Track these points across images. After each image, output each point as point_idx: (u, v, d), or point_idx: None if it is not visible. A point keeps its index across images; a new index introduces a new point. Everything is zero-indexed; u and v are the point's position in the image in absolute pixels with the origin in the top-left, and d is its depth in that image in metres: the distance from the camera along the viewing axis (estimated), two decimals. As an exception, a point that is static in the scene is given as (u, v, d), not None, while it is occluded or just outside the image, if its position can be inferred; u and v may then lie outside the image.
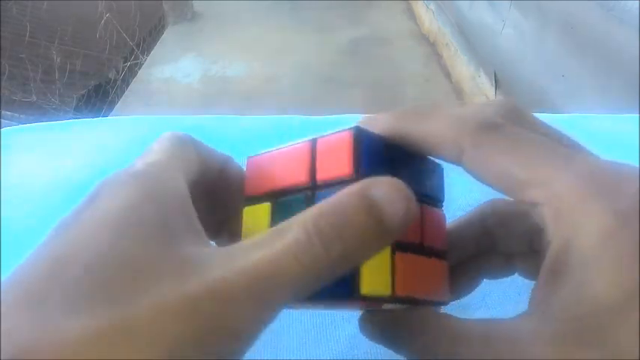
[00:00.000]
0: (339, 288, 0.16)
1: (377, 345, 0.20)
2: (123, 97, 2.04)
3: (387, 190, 0.15)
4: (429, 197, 0.20)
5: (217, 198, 0.21)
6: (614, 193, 0.15)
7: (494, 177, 0.18)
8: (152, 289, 0.13)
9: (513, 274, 0.22)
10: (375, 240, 0.15)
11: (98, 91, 2.03)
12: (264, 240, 0.15)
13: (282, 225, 0.15)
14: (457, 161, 0.18)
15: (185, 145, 0.19)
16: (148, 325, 0.13)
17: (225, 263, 0.14)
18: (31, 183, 0.41)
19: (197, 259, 0.14)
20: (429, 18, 2.37)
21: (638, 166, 0.16)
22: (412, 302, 0.18)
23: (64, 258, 0.14)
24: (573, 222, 0.15)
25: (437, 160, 0.20)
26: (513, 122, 0.18)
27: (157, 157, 0.18)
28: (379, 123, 0.19)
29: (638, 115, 0.47)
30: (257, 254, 0.14)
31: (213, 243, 0.21)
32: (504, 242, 0.21)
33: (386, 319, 0.18)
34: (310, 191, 0.18)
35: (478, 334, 0.16)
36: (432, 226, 0.20)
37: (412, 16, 2.58)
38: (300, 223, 0.15)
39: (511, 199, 0.19)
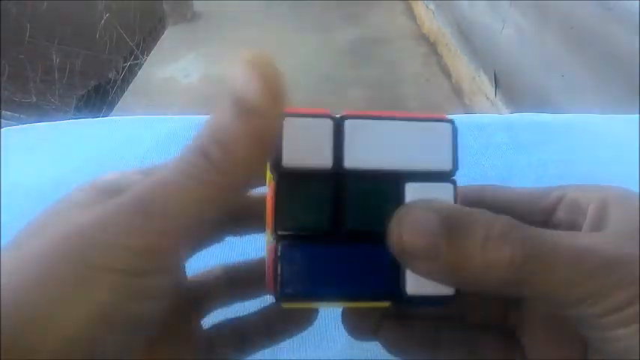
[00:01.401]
0: (438, 287, 0.16)
1: (375, 345, 0.20)
2: (123, 97, 2.04)
3: (244, 78, 0.15)
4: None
5: None
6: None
7: (515, 198, 0.21)
8: (51, 231, 0.15)
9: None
10: (247, 128, 0.15)
11: (98, 91, 2.03)
12: (156, 168, 0.16)
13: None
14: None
15: None
16: (36, 257, 0.14)
17: (123, 194, 0.15)
18: (30, 183, 0.41)
19: (100, 205, 0.15)
20: (429, 18, 2.37)
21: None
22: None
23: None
24: (601, 190, 0.18)
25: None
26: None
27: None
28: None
29: (638, 115, 0.47)
30: (148, 179, 0.15)
31: None
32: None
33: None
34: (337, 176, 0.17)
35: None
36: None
37: (412, 16, 2.58)
38: (186, 145, 0.15)
39: (509, 188, 0.21)
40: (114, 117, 0.48)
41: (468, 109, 1.87)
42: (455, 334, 0.20)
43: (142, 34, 2.36)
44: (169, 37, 2.47)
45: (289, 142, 0.17)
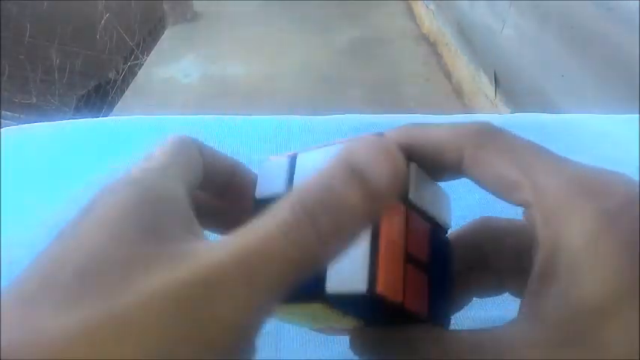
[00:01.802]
0: (355, 283, 0.16)
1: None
2: (123, 97, 2.04)
3: (369, 153, 0.15)
4: (437, 224, 0.20)
5: (228, 200, 0.21)
6: (602, 195, 0.15)
7: (491, 179, 0.18)
8: (141, 280, 0.13)
9: (503, 293, 0.21)
10: (364, 208, 0.14)
11: (98, 91, 2.03)
12: (253, 224, 0.14)
13: (271, 208, 0.14)
14: (457, 165, 0.18)
15: (188, 149, 0.19)
16: (136, 313, 0.12)
17: (215, 249, 0.14)
18: (30, 183, 0.41)
19: (189, 252, 0.14)
20: (429, 18, 2.37)
21: (624, 173, 0.16)
22: (404, 318, 0.18)
23: (56, 261, 0.14)
24: (561, 223, 0.15)
25: (445, 191, 0.20)
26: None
27: (154, 164, 0.18)
28: (387, 135, 0.19)
29: (638, 115, 0.47)
30: (246, 236, 0.14)
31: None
32: (494, 258, 0.21)
33: (378, 334, 0.18)
34: None
35: (469, 344, 0.16)
36: (438, 252, 0.20)
37: (412, 16, 2.58)
38: (287, 202, 0.14)
39: (501, 218, 0.20)
40: (114, 117, 0.48)
41: (468, 109, 1.87)
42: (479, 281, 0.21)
43: (142, 34, 2.36)
44: (169, 37, 2.47)
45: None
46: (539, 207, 0.16)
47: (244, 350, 0.14)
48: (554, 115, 0.49)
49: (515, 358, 0.15)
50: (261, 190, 0.20)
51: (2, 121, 1.71)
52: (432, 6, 2.35)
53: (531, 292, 0.16)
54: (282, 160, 0.20)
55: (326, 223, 0.14)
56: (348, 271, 0.16)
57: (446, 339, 0.17)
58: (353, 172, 0.14)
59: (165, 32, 2.50)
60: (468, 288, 0.21)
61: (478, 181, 0.18)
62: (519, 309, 0.16)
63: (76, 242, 0.14)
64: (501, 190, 0.18)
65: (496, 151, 0.18)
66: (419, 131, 0.19)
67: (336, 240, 0.14)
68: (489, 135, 0.18)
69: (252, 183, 0.20)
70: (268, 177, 0.20)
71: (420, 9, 2.51)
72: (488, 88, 1.73)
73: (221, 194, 0.21)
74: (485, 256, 0.21)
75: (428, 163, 0.19)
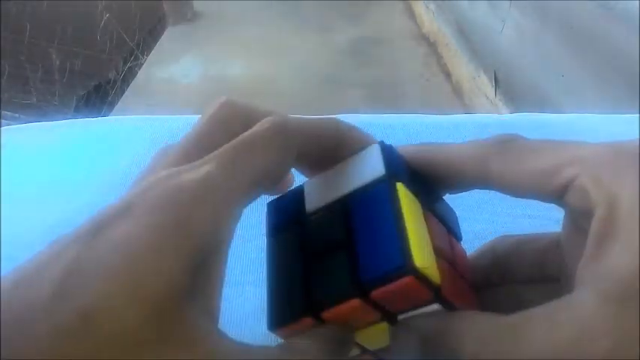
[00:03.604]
0: (391, 261, 0.16)
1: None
2: (123, 97, 2.04)
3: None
4: (452, 233, 0.21)
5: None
6: None
7: (524, 176, 0.18)
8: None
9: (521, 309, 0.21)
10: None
11: (98, 92, 2.03)
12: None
13: None
14: (483, 177, 0.19)
15: (280, 141, 0.18)
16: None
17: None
18: (31, 183, 0.41)
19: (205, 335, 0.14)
20: (429, 18, 2.37)
21: None
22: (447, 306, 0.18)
23: (70, 285, 0.13)
24: (614, 182, 0.15)
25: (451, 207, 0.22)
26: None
27: (214, 168, 0.16)
28: (402, 149, 0.19)
29: (638, 115, 0.47)
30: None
31: None
32: (516, 271, 0.21)
33: (427, 324, 0.18)
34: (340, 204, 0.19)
35: (543, 321, 0.15)
36: (460, 256, 0.21)
37: (412, 16, 2.58)
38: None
39: (515, 234, 0.20)
40: (114, 117, 0.48)
41: (468, 109, 1.87)
42: (497, 295, 0.21)
43: (142, 34, 2.36)
44: (169, 37, 2.47)
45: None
46: (588, 174, 0.16)
47: None
48: (554, 115, 0.49)
49: (587, 322, 0.14)
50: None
51: (2, 121, 1.71)
52: (432, 6, 2.34)
53: (590, 256, 0.15)
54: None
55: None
56: (381, 253, 0.17)
57: (520, 324, 0.15)
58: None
59: (165, 32, 2.50)
60: (486, 306, 0.21)
61: (508, 186, 0.19)
62: (576, 280, 0.16)
63: (93, 270, 0.13)
64: (538, 181, 0.18)
65: (522, 150, 0.18)
66: (436, 148, 0.20)
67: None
68: (511, 139, 0.19)
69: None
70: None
71: (420, 9, 2.51)
72: (488, 88, 1.73)
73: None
74: (505, 271, 0.21)
75: (447, 178, 0.19)
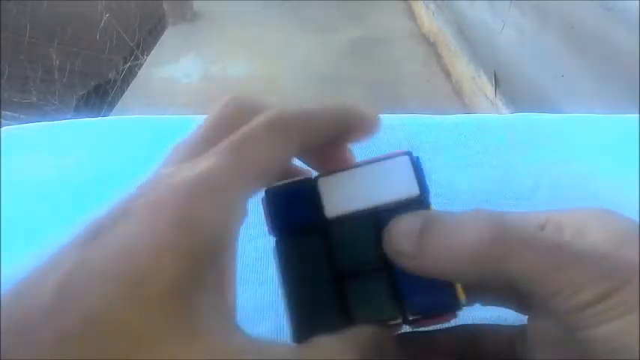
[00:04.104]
0: (443, 300, 0.18)
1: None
2: (123, 97, 2.04)
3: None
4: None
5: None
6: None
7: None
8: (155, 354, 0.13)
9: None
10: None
11: (98, 91, 2.03)
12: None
13: None
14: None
15: (281, 132, 0.17)
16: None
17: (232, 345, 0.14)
18: (31, 183, 0.41)
19: (212, 329, 0.14)
20: (429, 18, 2.37)
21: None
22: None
23: (72, 288, 0.13)
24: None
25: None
26: None
27: (213, 163, 0.15)
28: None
29: (638, 115, 0.47)
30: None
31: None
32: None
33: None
34: (372, 215, 0.19)
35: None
36: None
37: (412, 16, 2.58)
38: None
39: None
40: (114, 117, 0.48)
41: (468, 109, 1.87)
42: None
43: (142, 34, 2.36)
44: (169, 37, 2.47)
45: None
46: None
47: None
48: (554, 115, 0.49)
49: (569, 249, 0.16)
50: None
51: (2, 121, 1.71)
52: (432, 6, 2.34)
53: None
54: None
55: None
56: (430, 289, 0.18)
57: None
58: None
59: (165, 32, 2.50)
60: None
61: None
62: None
63: (94, 270, 0.13)
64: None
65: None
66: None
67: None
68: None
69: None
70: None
71: (420, 9, 2.51)
72: (489, 88, 1.73)
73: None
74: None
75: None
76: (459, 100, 1.95)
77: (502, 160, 0.43)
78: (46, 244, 0.15)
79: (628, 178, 0.40)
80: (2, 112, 1.78)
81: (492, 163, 0.42)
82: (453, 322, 0.19)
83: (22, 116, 1.81)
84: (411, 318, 0.18)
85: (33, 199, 0.39)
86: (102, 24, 2.25)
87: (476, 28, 1.87)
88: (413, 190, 0.19)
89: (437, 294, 0.18)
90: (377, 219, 0.19)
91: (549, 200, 0.39)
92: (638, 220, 0.18)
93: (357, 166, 0.19)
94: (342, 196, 0.19)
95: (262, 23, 2.53)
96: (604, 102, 1.13)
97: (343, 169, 0.20)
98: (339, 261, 0.18)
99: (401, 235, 0.17)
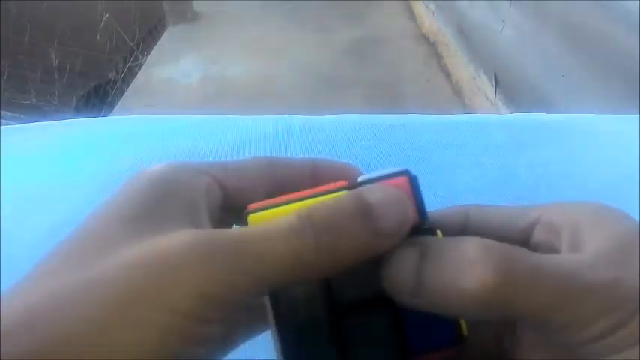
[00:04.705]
0: (445, 336, 0.17)
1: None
2: (123, 97, 2.04)
3: (382, 195, 0.16)
4: None
5: None
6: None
7: (496, 219, 0.21)
8: (120, 253, 0.14)
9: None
10: (365, 241, 0.16)
11: (98, 92, 2.03)
12: (263, 224, 0.16)
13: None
14: (464, 222, 0.21)
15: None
16: (108, 278, 0.14)
17: (217, 233, 0.15)
18: (31, 183, 0.41)
19: (174, 235, 0.15)
20: (429, 18, 2.37)
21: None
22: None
23: (66, 238, 0.16)
24: (576, 212, 0.18)
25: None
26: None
27: (175, 163, 0.18)
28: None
29: (638, 115, 0.47)
30: (251, 230, 0.15)
31: None
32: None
33: None
34: None
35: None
36: None
37: (412, 16, 2.58)
38: (296, 212, 0.16)
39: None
40: (114, 117, 0.48)
41: (468, 109, 1.87)
42: None
43: (142, 34, 2.36)
44: (169, 37, 2.47)
45: None
46: (552, 211, 0.19)
47: (221, 324, 0.15)
48: (554, 115, 0.49)
49: (578, 280, 0.15)
50: None
51: (2, 121, 1.71)
52: (432, 6, 2.35)
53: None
54: None
55: (326, 241, 0.15)
56: (433, 324, 0.18)
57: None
58: (363, 207, 0.16)
59: (165, 32, 2.50)
60: None
61: (482, 226, 0.20)
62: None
63: (86, 221, 0.16)
64: (508, 222, 0.20)
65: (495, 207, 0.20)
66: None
67: (331, 260, 0.15)
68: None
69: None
70: None
71: (420, 9, 2.51)
72: (489, 88, 1.73)
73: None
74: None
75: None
76: (459, 100, 1.95)
77: (502, 160, 0.43)
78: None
79: (628, 178, 0.40)
80: (2, 112, 1.78)
81: (492, 163, 0.42)
82: None
83: (22, 116, 1.81)
84: (413, 355, 0.18)
85: (33, 199, 0.39)
86: (102, 24, 2.25)
87: (476, 28, 1.87)
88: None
89: (440, 329, 0.17)
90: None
91: (549, 200, 0.39)
92: (637, 220, 0.18)
93: (354, 187, 0.18)
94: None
95: (262, 23, 2.53)
96: (604, 102, 1.13)
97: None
98: (337, 298, 0.18)
99: (398, 270, 0.16)
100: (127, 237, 0.15)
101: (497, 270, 0.15)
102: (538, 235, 0.19)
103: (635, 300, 0.15)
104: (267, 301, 0.17)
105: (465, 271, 0.15)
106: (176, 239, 0.15)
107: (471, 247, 0.16)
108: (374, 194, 0.16)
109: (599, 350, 0.15)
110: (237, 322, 0.19)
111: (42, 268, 0.15)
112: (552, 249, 0.18)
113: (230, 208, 0.19)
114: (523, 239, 0.19)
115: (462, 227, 0.20)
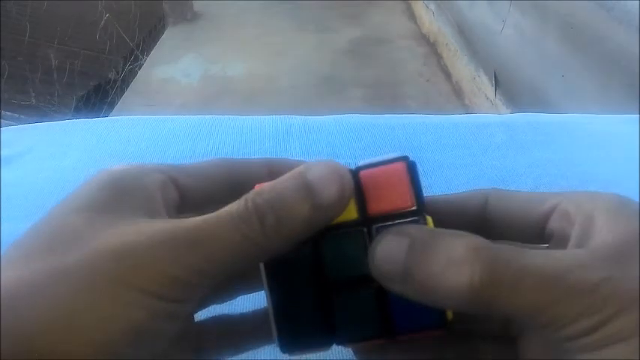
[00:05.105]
0: (430, 319, 0.17)
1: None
2: (123, 97, 2.04)
3: (321, 171, 0.17)
4: None
5: None
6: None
7: (515, 205, 0.21)
8: (86, 243, 0.15)
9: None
10: (308, 217, 0.17)
11: (98, 92, 2.03)
12: (218, 210, 0.17)
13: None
14: (482, 208, 0.21)
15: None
16: (75, 268, 0.15)
17: (177, 221, 0.16)
18: (30, 183, 0.41)
19: (137, 226, 0.16)
20: (429, 18, 2.37)
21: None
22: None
23: (33, 228, 0.17)
24: (591, 206, 0.18)
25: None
26: None
27: (134, 165, 0.20)
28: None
29: (638, 115, 0.47)
30: (207, 217, 0.16)
31: None
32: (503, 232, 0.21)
33: None
34: (365, 226, 0.18)
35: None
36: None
37: (412, 16, 2.58)
38: (244, 197, 0.17)
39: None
40: (114, 117, 0.48)
41: (468, 109, 1.87)
42: (459, 350, 0.20)
43: (142, 34, 2.36)
44: (169, 37, 2.47)
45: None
46: (569, 200, 0.19)
47: (190, 303, 0.16)
48: (554, 115, 0.49)
49: (563, 281, 0.15)
50: None
51: (2, 121, 1.71)
52: (432, 6, 2.35)
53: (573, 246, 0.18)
54: None
55: (271, 221, 0.16)
56: (418, 307, 0.17)
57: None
58: (304, 184, 0.17)
59: (165, 32, 2.50)
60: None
61: (500, 215, 0.20)
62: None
63: (49, 215, 0.17)
64: (527, 207, 0.20)
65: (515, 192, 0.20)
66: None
67: (278, 237, 0.16)
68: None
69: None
70: None
71: (420, 9, 2.51)
72: (488, 88, 1.73)
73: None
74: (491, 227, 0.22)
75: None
76: (459, 100, 1.95)
77: (502, 160, 0.43)
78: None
79: (628, 178, 0.40)
80: (2, 112, 1.78)
81: (492, 164, 0.42)
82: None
83: (21, 116, 1.81)
84: (397, 333, 0.18)
85: (33, 200, 0.39)
86: (102, 24, 2.25)
87: (476, 28, 1.87)
88: (407, 202, 0.18)
89: (426, 312, 0.17)
90: (369, 229, 0.18)
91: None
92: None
93: (352, 171, 0.18)
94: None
95: (262, 23, 2.53)
96: (604, 102, 1.13)
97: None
98: (327, 273, 0.18)
99: (386, 257, 0.17)
100: (92, 228, 0.16)
101: (483, 271, 0.15)
102: (554, 223, 0.19)
103: (624, 298, 0.15)
104: (261, 267, 0.18)
105: (451, 269, 0.16)
106: (139, 228, 0.16)
107: (459, 245, 0.16)
108: (312, 171, 0.17)
109: (584, 346, 0.15)
110: (231, 283, 0.21)
111: (8, 258, 0.16)
112: (565, 238, 0.18)
113: (188, 208, 0.20)
114: (540, 225, 0.19)
115: (480, 210, 0.20)
